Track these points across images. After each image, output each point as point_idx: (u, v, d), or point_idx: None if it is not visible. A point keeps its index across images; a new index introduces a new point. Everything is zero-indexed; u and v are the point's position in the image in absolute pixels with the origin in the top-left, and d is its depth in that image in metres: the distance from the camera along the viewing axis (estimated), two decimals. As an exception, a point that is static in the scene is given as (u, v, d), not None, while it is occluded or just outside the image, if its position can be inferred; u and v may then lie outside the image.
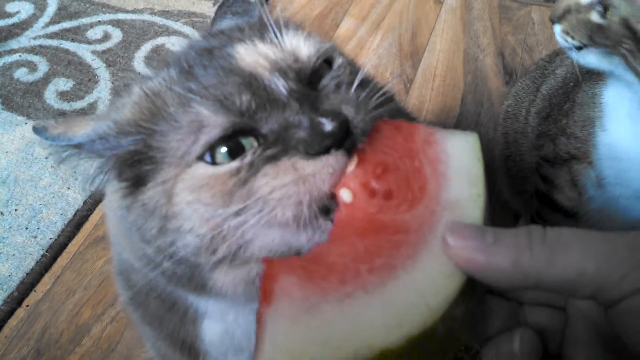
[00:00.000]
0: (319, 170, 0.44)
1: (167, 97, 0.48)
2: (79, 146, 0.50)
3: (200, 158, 0.46)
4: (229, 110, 0.46)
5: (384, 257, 0.40)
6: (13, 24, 1.81)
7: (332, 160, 0.44)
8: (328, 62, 0.53)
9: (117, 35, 1.78)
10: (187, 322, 0.60)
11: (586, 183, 0.94)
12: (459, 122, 1.54)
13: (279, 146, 0.45)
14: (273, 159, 0.45)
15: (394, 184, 0.45)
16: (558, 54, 1.16)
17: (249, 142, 0.46)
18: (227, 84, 0.47)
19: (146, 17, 1.84)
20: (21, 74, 1.66)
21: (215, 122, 0.45)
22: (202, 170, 0.46)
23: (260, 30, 0.53)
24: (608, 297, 0.36)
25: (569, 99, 0.98)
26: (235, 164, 0.45)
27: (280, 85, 0.47)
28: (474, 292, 0.40)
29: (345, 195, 0.45)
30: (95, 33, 1.78)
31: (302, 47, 0.51)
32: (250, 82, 0.47)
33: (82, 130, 0.51)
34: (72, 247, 1.29)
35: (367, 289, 0.38)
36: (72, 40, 1.76)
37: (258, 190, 0.45)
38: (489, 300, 0.46)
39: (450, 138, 0.46)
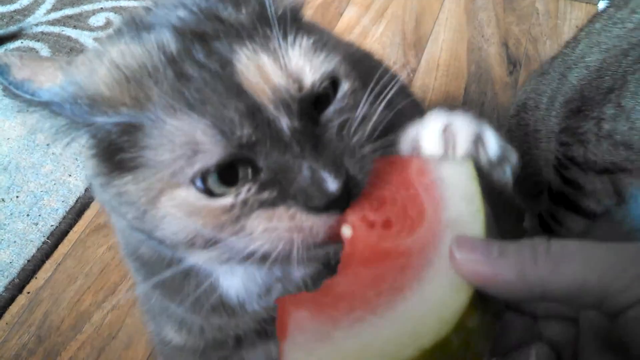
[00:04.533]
0: (316, 225, 0.45)
1: (152, 90, 0.45)
2: (46, 104, 0.46)
3: (192, 181, 0.45)
4: (228, 140, 0.43)
5: (390, 281, 0.41)
6: (15, 10, 1.80)
7: (332, 218, 0.45)
8: (333, 82, 0.50)
9: (119, 22, 1.76)
10: (203, 283, 0.60)
11: (637, 194, 0.87)
12: (462, 112, 1.53)
13: (276, 188, 0.45)
14: (270, 204, 0.45)
15: (392, 213, 0.46)
16: (580, 40, 1.07)
17: (244, 171, 0.46)
18: (228, 107, 0.43)
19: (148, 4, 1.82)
20: (23, 60, 1.65)
21: (212, 150, 0.43)
22: (194, 197, 0.45)
23: (262, 29, 0.48)
24: (612, 307, 0.37)
25: (609, 100, 0.87)
26: (229, 200, 0.45)
27: (284, 124, 0.44)
28: (487, 305, 0.41)
29: (345, 231, 0.47)
30: (97, 20, 1.77)
31: (307, 71, 0.47)
32: (254, 113, 0.44)
33: (50, 82, 0.47)
34: (73, 234, 1.29)
35: (377, 311, 0.40)
36: (74, 27, 1.75)
37: (250, 230, 0.46)
38: (506, 316, 0.47)
39: (443, 165, 0.48)
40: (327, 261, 0.53)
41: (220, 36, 0.46)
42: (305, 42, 0.48)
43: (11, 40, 1.71)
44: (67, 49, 1.68)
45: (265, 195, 0.45)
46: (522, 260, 0.38)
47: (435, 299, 0.40)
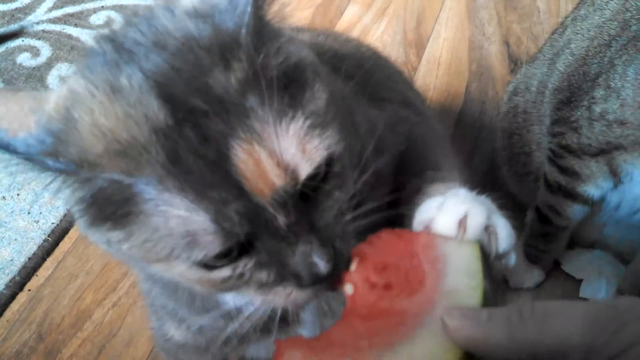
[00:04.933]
0: (309, 296, 0.50)
1: (145, 168, 0.41)
2: (24, 157, 0.43)
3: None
4: (227, 235, 0.43)
5: (383, 335, 0.44)
6: (16, 9, 1.80)
7: (320, 288, 0.49)
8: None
9: (120, 20, 1.76)
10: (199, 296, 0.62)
11: (633, 171, 0.89)
12: (463, 111, 1.53)
13: (272, 270, 0.47)
14: (267, 286, 0.48)
15: (394, 278, 0.49)
16: (567, 25, 1.11)
17: (239, 248, 0.46)
18: (227, 205, 0.42)
19: (149, 3, 1.82)
20: (24, 58, 1.65)
21: (211, 244, 0.43)
22: (191, 271, 0.46)
23: (254, 106, 0.43)
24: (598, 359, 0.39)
25: (598, 85, 0.91)
26: (226, 272, 0.47)
27: (281, 221, 0.45)
28: None
29: (347, 288, 0.50)
30: (98, 18, 1.77)
31: (302, 165, 0.44)
32: (254, 214, 0.43)
33: (24, 130, 0.43)
34: (74, 232, 1.28)
35: None
36: (75, 25, 1.75)
37: (247, 296, 0.50)
38: None
39: (450, 242, 0.50)
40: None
41: (210, 114, 0.42)
42: (300, 122, 0.45)
43: (12, 38, 1.71)
44: (68, 47, 1.68)
45: (263, 276, 0.48)
46: (510, 322, 0.41)
47: (423, 355, 0.43)
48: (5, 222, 1.29)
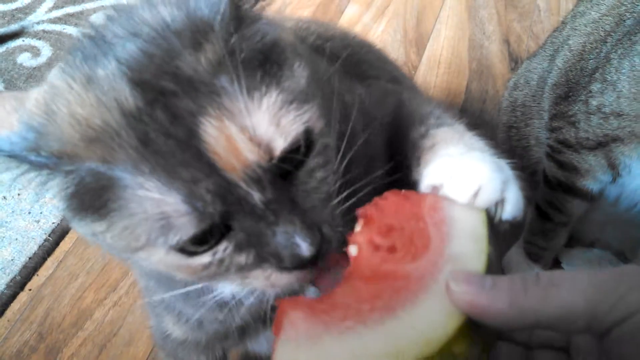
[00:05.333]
0: (289, 280, 0.48)
1: (118, 154, 0.42)
2: (7, 155, 0.44)
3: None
4: (201, 215, 0.42)
5: (385, 299, 0.44)
6: (16, 9, 1.80)
7: (305, 273, 0.48)
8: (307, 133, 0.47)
9: (101, 17, 1.76)
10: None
11: (631, 164, 0.90)
12: (463, 109, 1.53)
13: (251, 252, 0.46)
14: (246, 269, 0.47)
15: (398, 240, 0.49)
16: (566, 22, 1.12)
17: (218, 231, 0.46)
18: (198, 184, 0.42)
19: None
20: (24, 58, 1.65)
21: (186, 226, 0.43)
22: (171, 257, 0.46)
23: (225, 84, 0.43)
24: (600, 327, 0.40)
25: (595, 79, 0.92)
26: (206, 258, 0.46)
27: (256, 198, 0.44)
28: (478, 338, 0.44)
29: (352, 249, 0.50)
30: (98, 18, 1.77)
31: (277, 139, 0.44)
32: (225, 190, 0.43)
33: (5, 128, 0.44)
34: (74, 232, 1.28)
35: (367, 324, 0.42)
36: (76, 25, 1.75)
37: (228, 282, 0.49)
38: (500, 346, 0.50)
39: (456, 206, 0.50)
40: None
41: (179, 95, 0.42)
42: (274, 97, 0.45)
43: (12, 38, 1.71)
44: (69, 47, 1.67)
45: (242, 259, 0.47)
46: (514, 290, 0.42)
47: (425, 321, 0.42)
48: (6, 222, 1.29)
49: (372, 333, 0.42)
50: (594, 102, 0.91)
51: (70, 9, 1.80)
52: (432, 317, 0.42)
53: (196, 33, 0.44)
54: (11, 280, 1.19)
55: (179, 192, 0.42)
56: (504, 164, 0.54)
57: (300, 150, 0.47)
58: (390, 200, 0.52)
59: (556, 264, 1.18)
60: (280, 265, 0.46)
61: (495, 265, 0.47)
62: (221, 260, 0.46)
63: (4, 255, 1.23)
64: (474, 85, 1.60)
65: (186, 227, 0.43)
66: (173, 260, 0.46)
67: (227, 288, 0.60)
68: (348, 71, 0.72)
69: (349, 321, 0.43)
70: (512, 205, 0.51)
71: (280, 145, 0.44)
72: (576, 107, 0.95)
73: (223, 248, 0.46)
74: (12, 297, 1.18)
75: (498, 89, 1.57)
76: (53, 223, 1.28)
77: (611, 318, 0.39)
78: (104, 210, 0.44)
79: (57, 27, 1.74)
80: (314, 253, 0.45)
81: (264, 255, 0.46)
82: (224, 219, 0.44)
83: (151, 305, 0.77)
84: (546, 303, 0.40)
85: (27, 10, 1.80)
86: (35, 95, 0.46)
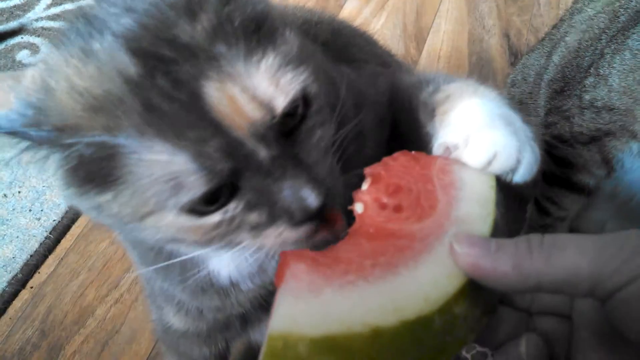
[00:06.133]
0: (298, 235, 0.48)
1: (122, 121, 0.43)
2: (7, 132, 0.45)
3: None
4: (210, 173, 0.43)
5: (388, 256, 0.44)
6: (15, 6, 1.80)
7: (312, 225, 0.48)
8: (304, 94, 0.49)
9: (65, 22, 1.76)
10: (191, 268, 0.62)
11: (623, 158, 0.90)
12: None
13: (263, 210, 0.47)
14: (259, 227, 0.48)
15: (405, 200, 0.49)
16: (564, 19, 1.13)
17: (227, 190, 0.46)
18: (206, 143, 0.43)
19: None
20: (23, 56, 1.65)
21: (195, 185, 0.43)
22: (181, 219, 0.46)
23: (222, 49, 0.45)
24: (604, 290, 0.39)
25: (589, 73, 0.93)
26: (217, 217, 0.47)
27: (262, 154, 0.45)
28: (479, 300, 0.44)
29: (357, 207, 0.50)
30: (87, 2, 1.77)
31: (277, 97, 0.46)
32: (233, 148, 0.44)
33: (3, 106, 0.45)
34: (75, 229, 1.29)
35: (369, 279, 0.42)
36: (74, 22, 1.75)
37: (239, 243, 0.49)
38: (500, 310, 0.50)
39: (466, 169, 0.50)
40: None
41: (179, 61, 0.43)
42: (271, 60, 0.46)
43: (12, 36, 1.71)
44: (68, 44, 1.67)
45: (255, 217, 0.47)
46: (518, 253, 0.41)
47: (426, 279, 0.42)
48: (7, 220, 1.29)
49: (372, 288, 0.42)
50: (587, 97, 0.91)
51: (69, 6, 1.80)
52: (434, 277, 0.42)
53: (189, 3, 0.45)
54: (13, 278, 1.20)
55: (187, 152, 0.42)
56: (518, 121, 0.53)
57: (298, 111, 0.48)
58: (400, 161, 0.52)
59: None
60: (292, 221, 0.47)
61: (502, 229, 0.47)
62: (232, 218, 0.47)
63: (5, 253, 1.23)
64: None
65: (196, 186, 0.43)
66: (184, 222, 0.46)
67: (224, 265, 0.60)
68: (335, 55, 0.73)
69: (351, 275, 0.43)
70: (525, 168, 0.51)
71: (281, 103, 0.46)
72: (570, 102, 0.95)
73: (233, 206, 0.46)
74: (14, 294, 1.18)
75: (498, 83, 1.57)
76: (54, 220, 1.28)
77: (614, 281, 0.38)
78: (109, 179, 0.44)
79: (56, 24, 1.74)
80: (321, 203, 0.46)
81: (276, 212, 0.47)
82: (233, 178, 0.45)
83: (152, 297, 0.77)
84: (550, 265, 0.40)
85: (25, 8, 1.79)
86: (31, 73, 0.46)
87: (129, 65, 0.43)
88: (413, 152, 0.53)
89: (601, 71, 0.90)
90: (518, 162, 0.50)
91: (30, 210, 1.30)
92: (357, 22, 1.76)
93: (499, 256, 0.42)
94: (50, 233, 1.27)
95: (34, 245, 1.25)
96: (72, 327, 1.14)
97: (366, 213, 0.49)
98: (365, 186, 0.51)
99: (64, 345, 1.12)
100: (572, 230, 1.14)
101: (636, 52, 0.86)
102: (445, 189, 0.48)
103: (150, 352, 1.09)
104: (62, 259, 1.24)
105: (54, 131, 0.43)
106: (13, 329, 1.14)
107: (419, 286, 0.42)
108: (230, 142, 0.44)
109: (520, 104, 1.17)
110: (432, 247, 0.44)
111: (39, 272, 1.22)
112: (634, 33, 0.88)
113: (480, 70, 1.61)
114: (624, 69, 0.86)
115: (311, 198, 0.46)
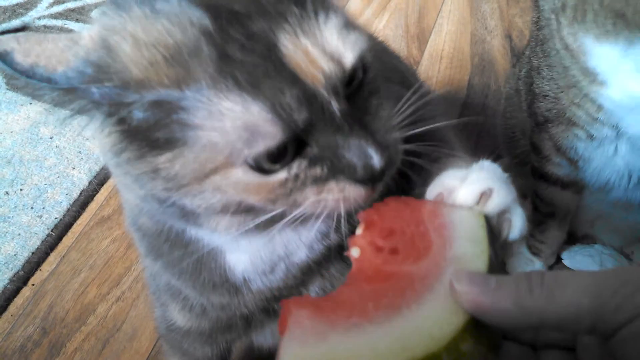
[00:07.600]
0: (359, 195, 0.49)
1: (196, 71, 0.43)
2: (67, 91, 0.44)
3: (246, 162, 0.46)
4: (286, 124, 0.44)
5: (390, 298, 0.45)
6: (17, 4, 1.80)
7: (372, 189, 0.49)
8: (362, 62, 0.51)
9: None
10: (208, 261, 0.62)
11: (573, 145, 0.92)
12: (465, 105, 1.53)
13: (326, 164, 0.48)
14: (321, 180, 0.48)
15: (400, 243, 0.50)
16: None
17: (292, 147, 0.47)
18: (284, 92, 0.44)
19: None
20: (26, 54, 1.65)
21: (272, 134, 0.44)
22: (249, 176, 0.46)
23: (292, 7, 0.47)
24: (606, 327, 0.39)
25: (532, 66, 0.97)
26: (283, 175, 0.47)
27: (335, 107, 0.46)
28: (484, 337, 0.44)
29: (354, 252, 0.51)
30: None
31: (345, 53, 0.47)
32: (309, 98, 0.45)
33: (62, 65, 0.44)
34: (77, 227, 1.29)
35: (373, 321, 0.43)
36: (77, 20, 1.75)
37: (303, 203, 0.49)
38: (505, 345, 0.49)
39: (456, 210, 0.51)
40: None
41: (252, 16, 0.45)
42: (336, 20, 0.48)
43: (14, 34, 1.70)
44: (70, 42, 1.67)
45: (317, 171, 0.48)
46: (518, 290, 0.41)
47: (431, 318, 0.43)
48: (9, 217, 1.29)
49: (378, 330, 0.42)
50: (534, 86, 0.96)
51: (72, 4, 1.80)
52: (438, 315, 0.43)
53: None
54: (14, 275, 1.20)
55: (264, 102, 0.43)
56: (509, 183, 0.56)
57: (358, 74, 0.50)
58: (391, 205, 0.53)
59: (557, 261, 1.18)
60: (354, 176, 0.47)
61: (497, 267, 0.48)
62: (297, 176, 0.47)
63: (7, 251, 1.23)
64: (476, 81, 1.59)
65: (271, 136, 0.44)
66: (251, 180, 0.46)
67: (241, 259, 0.61)
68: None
69: (355, 318, 0.43)
70: (519, 222, 0.53)
71: (349, 59, 0.47)
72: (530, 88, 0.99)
73: (298, 164, 0.47)
74: (16, 292, 1.18)
75: (500, 84, 1.57)
76: (55, 218, 1.29)
77: (617, 319, 0.38)
78: (173, 139, 0.44)
79: (59, 23, 1.74)
80: (383, 166, 0.47)
81: (339, 167, 0.47)
82: (304, 130, 0.46)
83: (157, 294, 0.77)
84: (551, 303, 0.40)
85: (28, 6, 1.79)
86: (88, 34, 0.47)
87: (202, 19, 0.44)
88: (402, 197, 0.54)
89: (535, 62, 0.94)
90: (509, 209, 0.52)
91: (32, 208, 1.31)
92: (359, 23, 1.76)
93: (499, 293, 0.42)
94: (52, 231, 1.27)
95: (35, 242, 1.25)
96: (73, 324, 1.14)
97: (363, 257, 0.50)
98: (359, 231, 0.52)
99: (65, 342, 1.12)
100: (572, 228, 1.14)
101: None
102: (438, 230, 0.49)
103: (151, 350, 1.09)
104: (63, 256, 1.24)
105: (117, 88, 0.44)
106: (14, 327, 1.14)
107: (424, 325, 0.42)
108: (306, 93, 0.45)
109: (508, 99, 1.20)
110: (432, 286, 0.45)
111: (40, 270, 1.22)
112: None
113: (482, 71, 1.62)
114: (545, 59, 0.90)
115: (376, 158, 0.47)
